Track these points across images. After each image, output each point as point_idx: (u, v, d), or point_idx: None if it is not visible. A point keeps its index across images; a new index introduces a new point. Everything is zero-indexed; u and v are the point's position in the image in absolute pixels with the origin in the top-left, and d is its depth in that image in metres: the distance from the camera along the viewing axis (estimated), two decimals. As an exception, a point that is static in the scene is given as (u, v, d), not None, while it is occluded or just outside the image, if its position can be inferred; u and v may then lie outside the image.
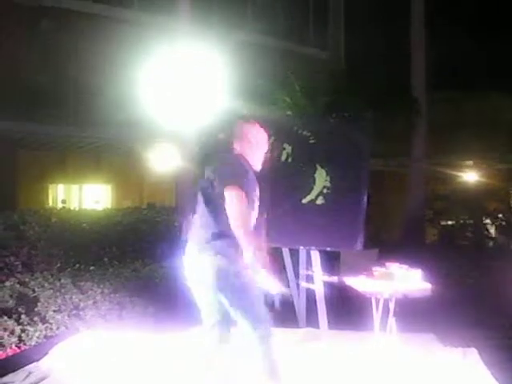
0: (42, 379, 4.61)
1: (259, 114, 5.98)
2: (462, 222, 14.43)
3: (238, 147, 3.86)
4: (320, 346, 5.45)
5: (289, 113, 7.42)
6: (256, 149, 3.87)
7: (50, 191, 14.27)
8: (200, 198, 3.73)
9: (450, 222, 14.63)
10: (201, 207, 3.72)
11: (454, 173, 14.36)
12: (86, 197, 14.44)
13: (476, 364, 4.98)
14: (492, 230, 14.04)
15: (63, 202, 13.34)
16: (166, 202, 10.00)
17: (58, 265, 7.66)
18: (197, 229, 3.72)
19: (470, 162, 15.57)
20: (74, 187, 14.53)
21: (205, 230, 3.65)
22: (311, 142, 5.79)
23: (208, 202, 3.67)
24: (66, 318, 6.06)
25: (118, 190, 15.09)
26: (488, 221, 14.07)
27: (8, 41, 12.49)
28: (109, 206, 13.64)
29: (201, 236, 3.66)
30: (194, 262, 3.66)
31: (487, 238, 13.91)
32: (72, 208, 9.79)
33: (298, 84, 7.82)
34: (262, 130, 3.93)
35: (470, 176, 14.42)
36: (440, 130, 14.21)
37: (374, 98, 7.50)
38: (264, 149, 3.94)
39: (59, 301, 6.25)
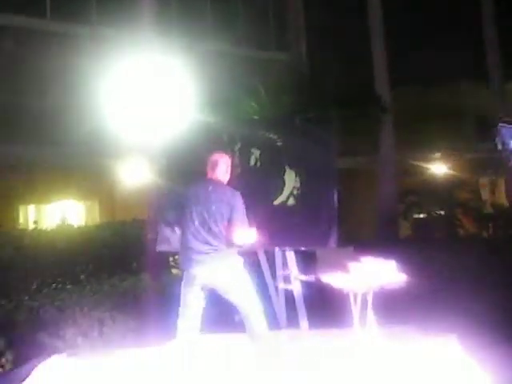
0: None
1: (225, 122, 6.04)
2: (434, 214, 14.60)
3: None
4: (303, 346, 5.48)
5: (255, 117, 7.46)
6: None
7: (21, 212, 14.09)
8: (206, 217, 4.64)
9: (422, 215, 14.79)
10: (208, 224, 4.63)
11: (423, 166, 14.53)
12: (57, 215, 14.27)
13: (457, 350, 5.07)
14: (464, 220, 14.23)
15: (35, 222, 13.16)
16: (138, 215, 9.92)
17: (34, 286, 7.57)
18: (212, 237, 4.62)
19: (438, 154, 15.77)
20: (45, 207, 14.38)
21: (219, 241, 4.62)
22: (278, 144, 5.84)
23: (220, 220, 4.62)
24: (46, 338, 5.99)
25: (89, 206, 14.95)
26: (459, 211, 14.27)
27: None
28: (81, 223, 13.51)
29: (218, 246, 4.61)
30: (213, 268, 4.59)
31: (459, 227, 14.09)
32: (44, 228, 9.66)
33: (263, 88, 7.87)
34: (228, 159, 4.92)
35: (439, 168, 14.60)
36: (406, 124, 14.38)
37: (338, 96, 7.58)
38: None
39: (38, 322, 6.17)
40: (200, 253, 4.63)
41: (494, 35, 15.85)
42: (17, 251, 7.98)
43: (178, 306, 4.79)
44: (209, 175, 4.90)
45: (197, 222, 4.68)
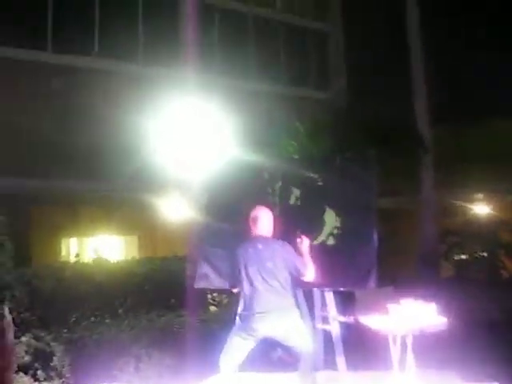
0: None
1: (266, 160, 6.09)
2: (476, 255, 14.33)
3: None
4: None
5: (295, 156, 7.49)
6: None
7: (63, 245, 14.32)
8: (264, 276, 4.73)
9: (463, 256, 14.52)
10: (267, 281, 4.72)
11: (465, 206, 14.31)
12: (99, 249, 14.45)
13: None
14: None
15: (77, 255, 13.36)
16: (179, 251, 10.00)
17: (74, 318, 7.66)
18: (273, 294, 4.69)
19: (480, 195, 15.52)
20: (87, 240, 14.59)
21: (281, 297, 4.71)
22: (318, 183, 5.85)
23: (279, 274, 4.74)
24: (83, 371, 6.03)
25: (131, 241, 15.13)
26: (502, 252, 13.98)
27: (16, 101, 12.75)
28: (122, 257, 13.66)
29: (282, 299, 4.73)
30: (274, 323, 4.65)
31: (502, 269, 13.79)
32: (85, 261, 9.80)
33: (303, 127, 7.91)
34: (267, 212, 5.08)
35: (481, 208, 14.36)
36: (447, 163, 14.23)
37: (378, 135, 7.57)
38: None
39: (75, 355, 6.22)
40: (263, 311, 4.67)
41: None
42: (58, 283, 8.10)
43: (222, 342, 4.80)
44: (253, 232, 4.98)
45: (255, 282, 4.74)
